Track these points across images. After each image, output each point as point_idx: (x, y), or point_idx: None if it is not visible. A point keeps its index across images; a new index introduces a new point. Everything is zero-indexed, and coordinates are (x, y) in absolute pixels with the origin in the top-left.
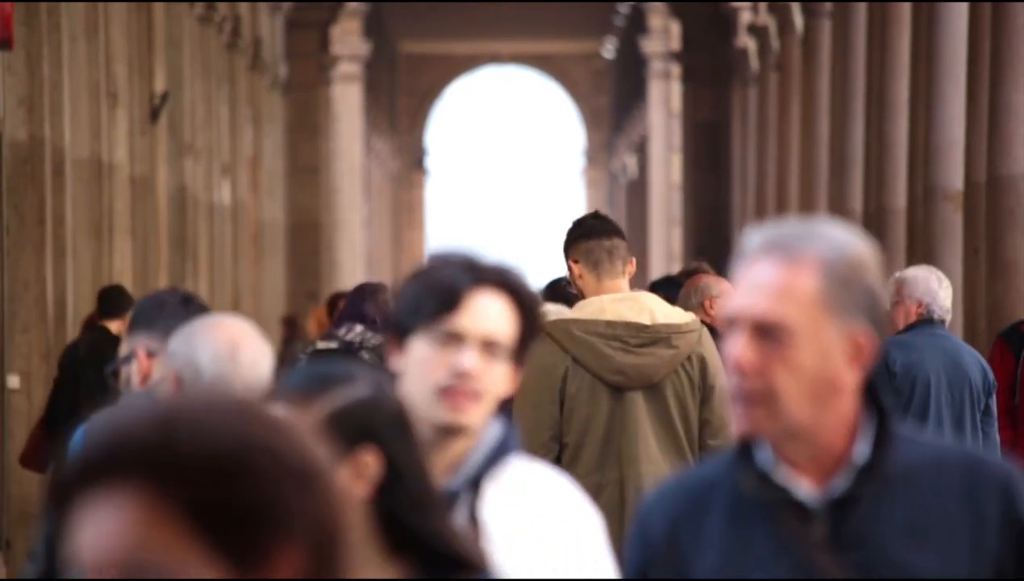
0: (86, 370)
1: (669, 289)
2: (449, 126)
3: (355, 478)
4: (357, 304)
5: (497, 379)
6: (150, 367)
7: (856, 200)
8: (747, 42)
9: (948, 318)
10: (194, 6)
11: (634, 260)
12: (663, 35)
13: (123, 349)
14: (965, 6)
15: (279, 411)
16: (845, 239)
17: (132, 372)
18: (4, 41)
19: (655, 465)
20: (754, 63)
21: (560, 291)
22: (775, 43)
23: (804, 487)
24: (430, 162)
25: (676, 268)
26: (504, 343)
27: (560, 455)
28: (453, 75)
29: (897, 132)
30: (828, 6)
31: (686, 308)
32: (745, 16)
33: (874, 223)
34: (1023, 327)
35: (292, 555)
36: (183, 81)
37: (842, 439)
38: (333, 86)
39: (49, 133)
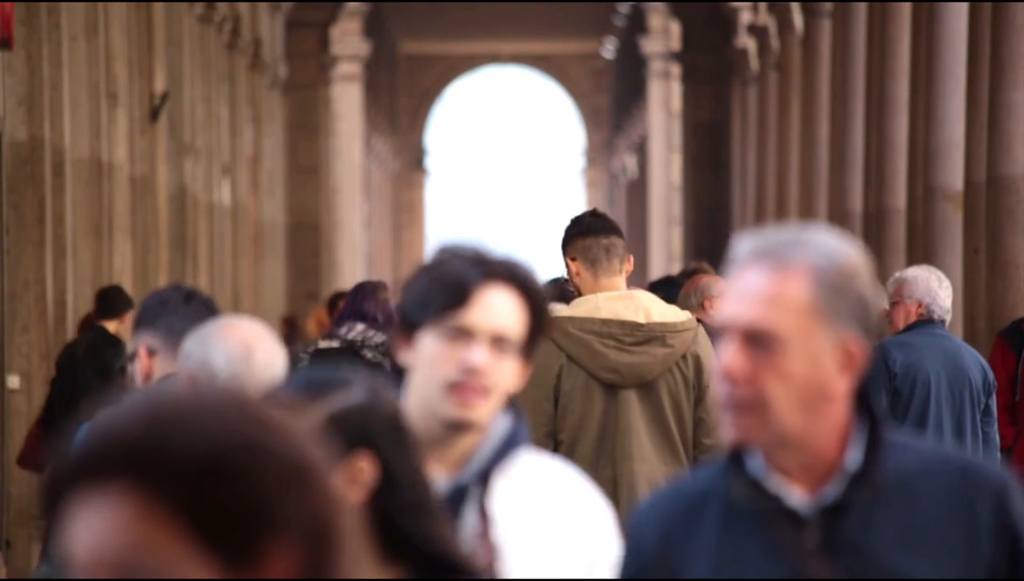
0: (84, 370)
1: (668, 290)
2: (449, 126)
3: (350, 483)
4: (357, 302)
5: (506, 374)
6: (151, 365)
7: (856, 200)
8: (747, 42)
9: (948, 318)
10: (194, 6)
11: (632, 258)
12: (663, 35)
13: (130, 347)
14: (965, 6)
15: (274, 409)
16: (836, 246)
17: (136, 370)
18: (4, 41)
19: (648, 463)
20: (754, 63)
21: (560, 290)
22: (775, 43)
23: (796, 495)
24: (430, 162)
25: (676, 268)
26: (513, 338)
27: (554, 452)
28: (453, 75)
29: (897, 132)
30: (828, 6)
31: (686, 308)
32: (745, 16)
33: (874, 223)
34: None
35: (286, 554)
36: (183, 81)
37: (834, 446)
38: (333, 86)
39: (49, 133)
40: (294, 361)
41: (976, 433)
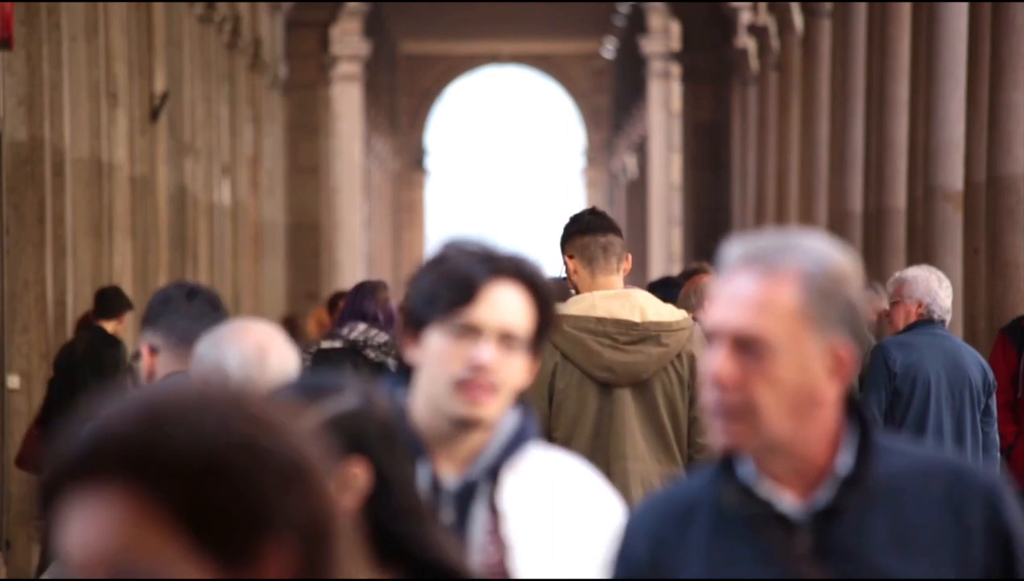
0: (83, 369)
1: (667, 290)
2: (449, 126)
3: (344, 489)
4: (357, 302)
5: (514, 371)
6: (154, 363)
7: (856, 200)
8: (747, 42)
9: (948, 318)
10: (194, 6)
11: (630, 257)
12: (663, 35)
13: (137, 346)
14: (965, 6)
15: (271, 407)
16: (825, 251)
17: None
18: (4, 41)
19: (642, 462)
20: (754, 63)
21: (560, 288)
22: (775, 43)
23: (787, 500)
24: (430, 162)
25: (676, 268)
26: (521, 335)
27: None
28: (453, 75)
29: (897, 132)
30: (828, 6)
31: (685, 308)
32: (745, 16)
33: (874, 223)
34: None
35: (281, 554)
36: (183, 81)
37: (824, 451)
38: (333, 86)
39: (49, 133)
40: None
41: (976, 433)
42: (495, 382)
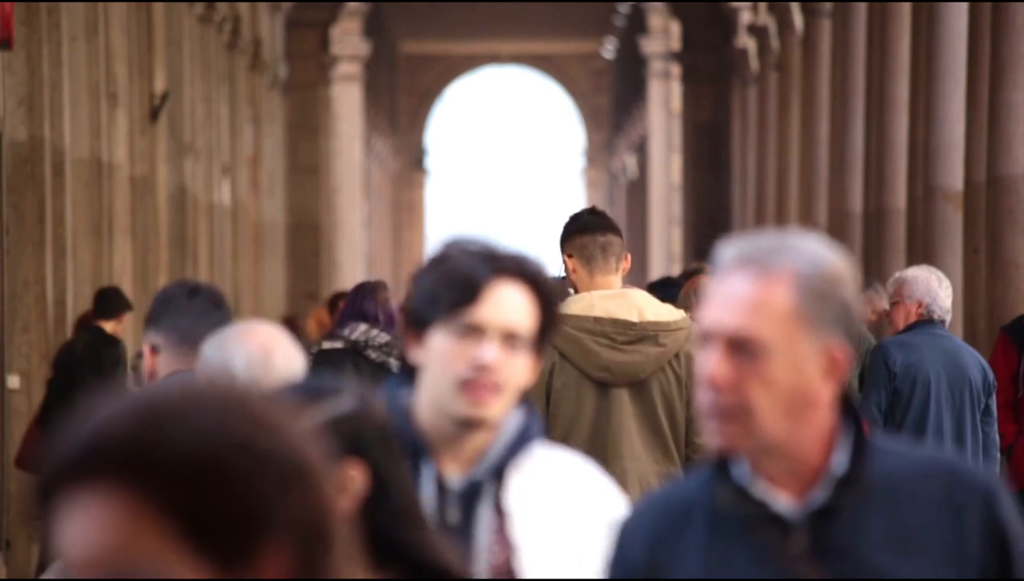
0: (82, 369)
1: (666, 291)
2: (449, 126)
3: (341, 491)
4: (357, 303)
5: (518, 371)
6: (155, 363)
7: (856, 200)
8: (747, 42)
9: (948, 318)
10: (194, 6)
11: (629, 257)
12: (663, 35)
13: (142, 345)
14: (965, 6)
15: (270, 407)
16: (819, 252)
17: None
18: (4, 41)
19: (640, 462)
20: (754, 63)
21: (560, 287)
22: (775, 43)
23: (783, 500)
24: (430, 162)
25: (676, 268)
26: (524, 334)
27: None
28: (453, 75)
29: (897, 132)
30: (828, 6)
31: (685, 309)
32: (745, 16)
33: (874, 223)
34: None
35: (279, 555)
36: (183, 81)
37: (819, 452)
38: (333, 86)
39: (49, 133)
40: None
41: (976, 433)
42: (499, 382)
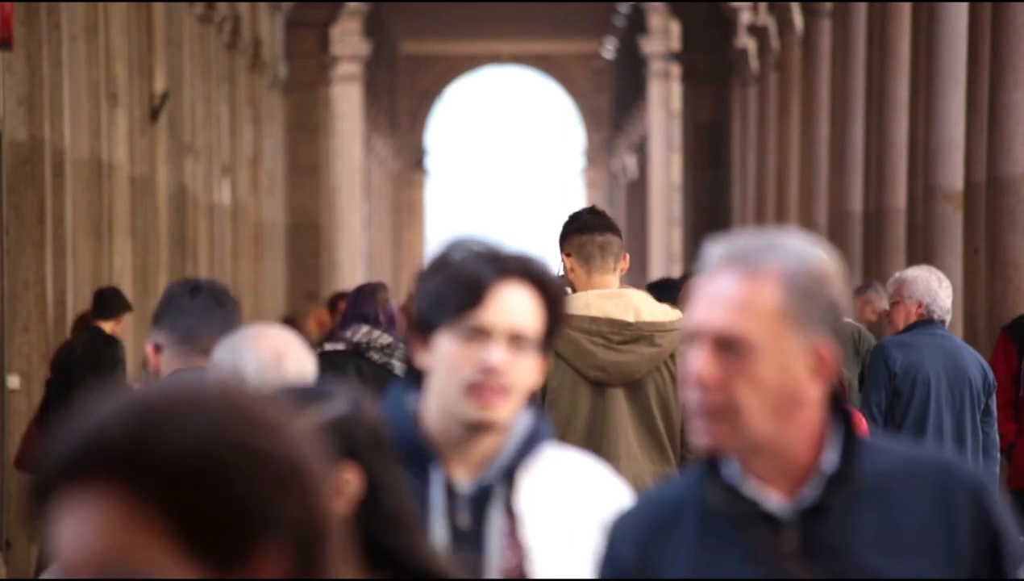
0: (81, 369)
1: (665, 292)
2: (449, 126)
3: (336, 495)
4: (358, 305)
5: (525, 372)
6: (158, 362)
7: (856, 200)
8: (747, 42)
9: (948, 318)
10: (194, 6)
11: (627, 257)
12: (663, 35)
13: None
14: (965, 6)
15: (266, 408)
16: (807, 250)
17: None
18: (4, 41)
19: (635, 462)
20: (754, 63)
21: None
22: (775, 43)
23: (773, 498)
24: (430, 162)
25: (676, 268)
26: (531, 335)
27: None
28: (453, 75)
29: (897, 132)
30: (828, 6)
31: (685, 310)
32: (745, 16)
33: (874, 223)
34: None
35: (274, 556)
36: (183, 81)
37: (808, 450)
38: (333, 86)
39: (49, 133)
40: None
41: (976, 433)
42: (506, 384)
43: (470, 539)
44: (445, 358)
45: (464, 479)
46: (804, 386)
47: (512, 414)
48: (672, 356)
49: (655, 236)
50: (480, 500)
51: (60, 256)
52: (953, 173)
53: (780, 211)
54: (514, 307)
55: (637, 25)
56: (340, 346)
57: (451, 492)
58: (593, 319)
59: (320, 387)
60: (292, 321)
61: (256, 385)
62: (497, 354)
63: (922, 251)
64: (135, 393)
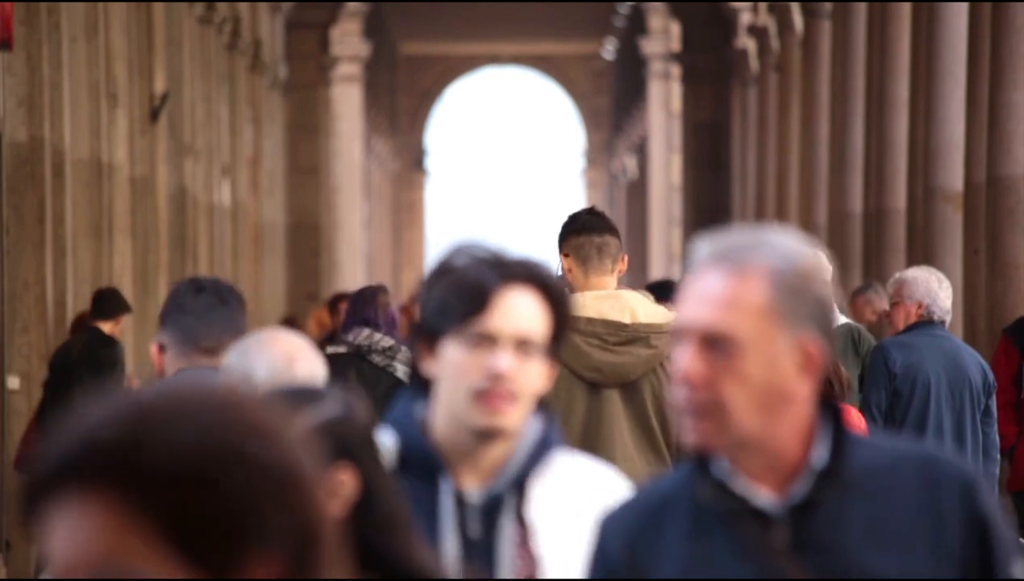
0: (80, 370)
1: (665, 292)
2: (449, 126)
3: (331, 497)
4: (359, 309)
5: (533, 378)
6: (162, 361)
7: (856, 200)
8: (747, 42)
9: (948, 319)
10: (194, 6)
11: (626, 258)
12: (663, 36)
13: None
14: (965, 6)
15: (260, 411)
16: (794, 248)
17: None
18: (4, 41)
19: (631, 463)
20: (754, 63)
21: None
22: (775, 43)
23: (763, 495)
24: (430, 162)
25: (676, 268)
26: (537, 340)
27: None
28: (453, 75)
29: (897, 132)
30: (828, 6)
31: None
32: (745, 17)
33: (874, 223)
34: None
35: (268, 562)
36: (183, 81)
37: (797, 447)
38: (333, 86)
39: (49, 133)
40: None
41: (976, 434)
42: (514, 390)
43: (481, 549)
44: (452, 366)
45: (474, 488)
46: (792, 383)
47: (521, 420)
48: (668, 358)
49: (655, 237)
50: (490, 509)
51: (60, 256)
52: (953, 173)
53: (780, 211)
54: (520, 312)
55: (637, 26)
56: (341, 349)
57: (461, 502)
58: (589, 320)
59: (312, 389)
60: (292, 322)
61: (264, 389)
62: (504, 360)
63: (922, 251)
64: (129, 396)
